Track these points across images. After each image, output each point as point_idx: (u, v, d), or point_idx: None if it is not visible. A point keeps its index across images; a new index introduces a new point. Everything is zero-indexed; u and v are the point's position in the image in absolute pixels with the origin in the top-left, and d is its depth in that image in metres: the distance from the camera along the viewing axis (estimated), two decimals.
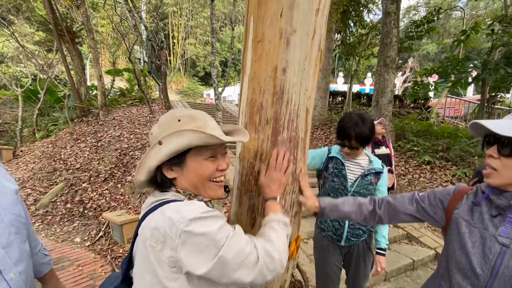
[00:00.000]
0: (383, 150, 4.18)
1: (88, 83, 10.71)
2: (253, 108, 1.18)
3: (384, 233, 1.89)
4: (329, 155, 1.90)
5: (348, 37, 9.63)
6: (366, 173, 1.78)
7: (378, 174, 1.81)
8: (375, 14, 9.72)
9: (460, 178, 5.87)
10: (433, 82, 7.31)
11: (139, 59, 8.54)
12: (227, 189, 1.06)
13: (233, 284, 0.75)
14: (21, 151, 8.22)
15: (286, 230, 0.92)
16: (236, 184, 1.30)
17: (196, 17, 25.74)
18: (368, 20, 10.17)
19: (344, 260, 1.99)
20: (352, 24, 9.03)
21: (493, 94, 7.58)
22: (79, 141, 7.22)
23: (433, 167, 6.37)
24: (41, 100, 9.21)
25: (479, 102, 7.95)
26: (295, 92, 1.14)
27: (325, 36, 1.23)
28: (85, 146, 6.80)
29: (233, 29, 5.12)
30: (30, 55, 9.21)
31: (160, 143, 0.80)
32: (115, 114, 8.11)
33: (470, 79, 6.36)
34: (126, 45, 5.82)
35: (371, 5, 8.55)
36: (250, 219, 1.22)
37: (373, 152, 4.16)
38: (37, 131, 9.06)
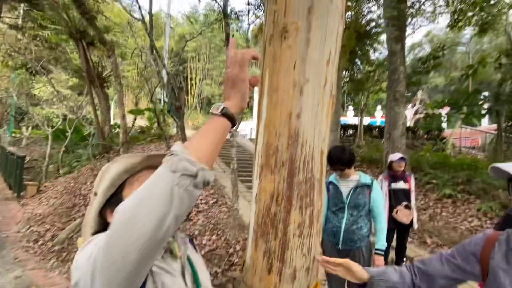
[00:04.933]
0: (400, 184, 4.02)
1: (112, 122, 11.37)
2: (269, 151, 1.21)
3: (381, 235, 2.25)
4: (328, 181, 2.42)
5: (356, 74, 9.95)
6: (356, 186, 2.26)
7: (369, 186, 2.27)
8: (380, 53, 10.11)
9: (486, 212, 5.45)
10: (445, 114, 7.23)
11: (160, 100, 9.11)
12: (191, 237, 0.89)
13: None
14: (45, 186, 8.52)
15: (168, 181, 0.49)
16: (252, 226, 1.28)
17: (213, 61, 27.75)
18: (374, 58, 10.54)
19: None
20: (359, 62, 9.41)
21: (510, 124, 7.36)
22: None
23: (455, 201, 5.99)
24: (68, 138, 9.79)
25: (496, 132, 7.70)
26: (310, 135, 1.17)
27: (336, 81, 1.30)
28: None
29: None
30: (62, 98, 10.03)
31: (95, 193, 0.71)
32: (134, 150, 8.41)
33: (483, 111, 6.27)
34: (148, 88, 6.30)
35: (376, 44, 8.99)
36: (267, 264, 1.18)
37: (389, 185, 4.01)
38: (62, 167, 9.47)
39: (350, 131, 13.91)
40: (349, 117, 22.09)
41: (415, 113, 21.40)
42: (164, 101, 8.01)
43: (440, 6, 6.41)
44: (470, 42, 18.50)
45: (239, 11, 6.60)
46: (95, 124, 9.50)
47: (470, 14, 5.56)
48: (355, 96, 12.04)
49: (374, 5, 7.75)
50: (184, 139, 4.89)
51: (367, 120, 19.08)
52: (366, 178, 2.31)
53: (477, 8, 5.12)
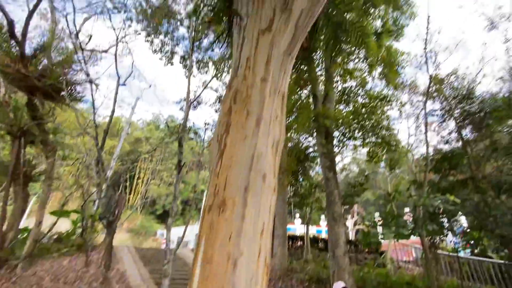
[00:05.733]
0: None
1: (24, 224, 9.24)
2: None
3: None
4: None
5: (299, 189, 10.90)
6: None
7: None
8: (318, 173, 11.66)
9: None
10: (380, 233, 7.87)
11: (94, 201, 8.08)
12: None
13: None
14: None
15: None
16: None
17: (165, 163, 27.91)
18: (314, 174, 11.97)
19: None
20: (301, 179, 10.54)
21: (432, 241, 8.20)
22: None
23: None
24: None
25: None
26: None
27: (269, 252, 1.32)
28: None
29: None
30: None
31: None
32: (39, 267, 6.58)
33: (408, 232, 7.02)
34: (82, 192, 5.64)
35: (314, 165, 10.47)
36: None
37: None
38: None
39: (299, 243, 13.74)
40: (297, 224, 22.42)
41: (355, 224, 22.97)
42: (99, 206, 7.15)
43: (358, 145, 8.20)
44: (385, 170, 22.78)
45: (197, 129, 7.36)
46: None
47: (380, 154, 7.22)
48: (300, 209, 12.67)
49: (310, 136, 9.51)
50: (108, 259, 4.09)
51: (313, 229, 19.51)
52: None
53: (384, 151, 6.72)
